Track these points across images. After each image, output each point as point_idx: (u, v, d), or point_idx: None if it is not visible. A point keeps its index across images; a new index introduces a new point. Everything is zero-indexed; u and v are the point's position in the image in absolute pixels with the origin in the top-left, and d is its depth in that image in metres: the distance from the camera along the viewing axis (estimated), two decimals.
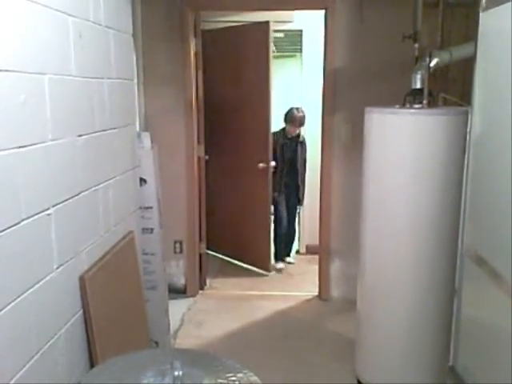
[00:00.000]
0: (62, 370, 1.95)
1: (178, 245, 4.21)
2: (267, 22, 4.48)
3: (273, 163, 4.81)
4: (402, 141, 2.68)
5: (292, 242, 5.38)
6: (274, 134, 4.87)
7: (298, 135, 5.02)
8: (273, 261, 5.05)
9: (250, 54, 4.70)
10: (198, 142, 4.26)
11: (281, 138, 4.97)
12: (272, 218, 5.00)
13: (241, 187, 4.95)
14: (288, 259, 5.26)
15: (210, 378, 1.63)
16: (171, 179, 3.94)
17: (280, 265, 5.07)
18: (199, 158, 4.29)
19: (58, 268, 1.91)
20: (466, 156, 2.22)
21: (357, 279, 3.04)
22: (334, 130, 4.01)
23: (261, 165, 4.68)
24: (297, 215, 5.37)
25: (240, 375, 1.68)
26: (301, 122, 4.94)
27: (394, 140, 2.71)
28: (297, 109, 4.95)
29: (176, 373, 1.58)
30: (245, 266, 4.98)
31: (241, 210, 4.99)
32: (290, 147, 5.01)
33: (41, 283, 1.79)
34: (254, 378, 1.69)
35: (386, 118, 2.77)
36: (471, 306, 2.15)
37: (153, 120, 3.93)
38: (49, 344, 1.84)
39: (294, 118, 4.91)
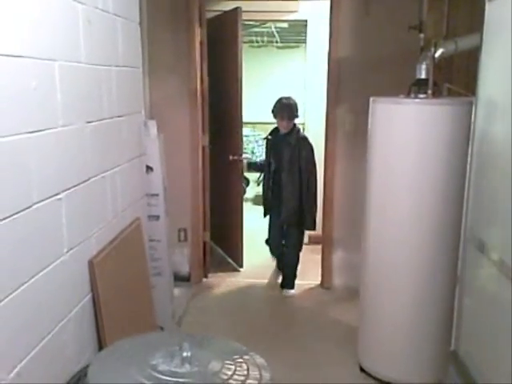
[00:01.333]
0: (71, 352, 1.99)
1: (182, 233, 4.24)
2: (236, 9, 4.22)
3: (244, 155, 4.44)
4: (407, 130, 2.70)
5: (288, 270, 4.23)
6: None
7: (291, 133, 3.99)
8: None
9: (224, 45, 4.53)
10: (203, 132, 4.28)
11: (272, 137, 4.19)
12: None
13: (218, 179, 4.73)
14: (285, 291, 4.20)
15: (218, 359, 1.66)
16: (176, 168, 3.95)
17: (287, 292, 4.20)
18: (203, 147, 4.31)
19: (68, 252, 1.95)
20: (470, 145, 2.25)
21: (359, 267, 3.07)
22: (338, 121, 4.02)
23: (231, 157, 4.50)
24: (294, 242, 4.18)
25: (246, 357, 1.72)
26: (289, 112, 3.96)
27: (398, 130, 2.73)
28: (286, 98, 4.07)
29: (185, 354, 1.62)
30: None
31: (218, 201, 4.75)
32: (277, 149, 4.07)
33: (51, 266, 1.82)
34: (261, 361, 1.72)
35: (390, 108, 2.79)
36: (473, 291, 2.18)
37: (158, 109, 3.94)
38: (59, 326, 1.88)
39: (279, 108, 4.01)
